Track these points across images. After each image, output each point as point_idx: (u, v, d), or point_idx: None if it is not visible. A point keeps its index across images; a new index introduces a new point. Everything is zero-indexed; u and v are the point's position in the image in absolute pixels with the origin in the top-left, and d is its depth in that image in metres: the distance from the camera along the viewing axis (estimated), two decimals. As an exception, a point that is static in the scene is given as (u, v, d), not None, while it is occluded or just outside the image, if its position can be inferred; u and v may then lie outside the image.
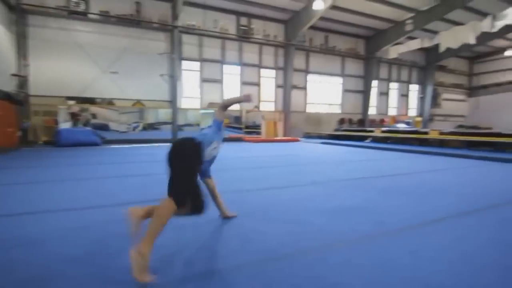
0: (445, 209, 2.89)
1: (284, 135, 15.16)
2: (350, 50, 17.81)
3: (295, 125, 16.55)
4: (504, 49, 20.11)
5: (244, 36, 14.59)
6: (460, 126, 19.52)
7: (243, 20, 14.75)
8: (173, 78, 12.82)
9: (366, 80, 18.27)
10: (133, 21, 12.40)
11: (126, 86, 12.49)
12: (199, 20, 13.68)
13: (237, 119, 15.77)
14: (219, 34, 14.04)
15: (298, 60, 16.48)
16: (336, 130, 17.35)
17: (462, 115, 23.34)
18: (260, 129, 14.81)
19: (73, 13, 11.50)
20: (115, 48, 12.25)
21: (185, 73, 13.88)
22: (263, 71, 15.68)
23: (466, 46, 15.67)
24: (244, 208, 2.79)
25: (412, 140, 11.76)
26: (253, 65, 15.38)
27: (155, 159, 6.75)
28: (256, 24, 15.04)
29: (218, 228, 2.34)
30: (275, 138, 14.38)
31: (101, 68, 12.13)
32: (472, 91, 23.23)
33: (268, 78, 15.92)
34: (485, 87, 22.33)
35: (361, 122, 18.56)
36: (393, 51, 16.52)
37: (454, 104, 23.05)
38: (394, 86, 20.51)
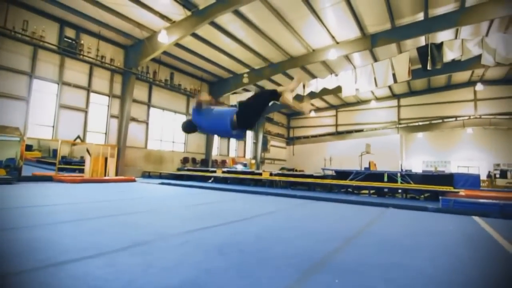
0: (289, 273, 2.45)
1: (117, 174, 12.74)
2: (195, 91, 18.13)
3: (132, 162, 14.45)
4: (310, 111, 26.64)
5: (68, 49, 11.83)
6: (283, 169, 23.22)
7: (70, 32, 12.08)
8: None
9: (210, 122, 18.87)
10: None
11: None
12: (-2, 14, 10.03)
13: (56, 152, 11.92)
14: (29, 39, 10.69)
15: (140, 92, 15.00)
16: (179, 169, 16.50)
17: (284, 159, 28.24)
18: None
19: None
20: None
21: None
22: (93, 96, 13.06)
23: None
24: None
25: (249, 181, 12.52)
26: (80, 87, 12.56)
27: None
28: (88, 41, 12.68)
29: None
30: (104, 178, 11.78)
31: None
32: (289, 140, 28.85)
33: (100, 105, 13.38)
34: (298, 138, 28.31)
35: (204, 162, 18.64)
36: (232, 99, 18.10)
37: (278, 150, 27.70)
38: (233, 130, 22.30)
